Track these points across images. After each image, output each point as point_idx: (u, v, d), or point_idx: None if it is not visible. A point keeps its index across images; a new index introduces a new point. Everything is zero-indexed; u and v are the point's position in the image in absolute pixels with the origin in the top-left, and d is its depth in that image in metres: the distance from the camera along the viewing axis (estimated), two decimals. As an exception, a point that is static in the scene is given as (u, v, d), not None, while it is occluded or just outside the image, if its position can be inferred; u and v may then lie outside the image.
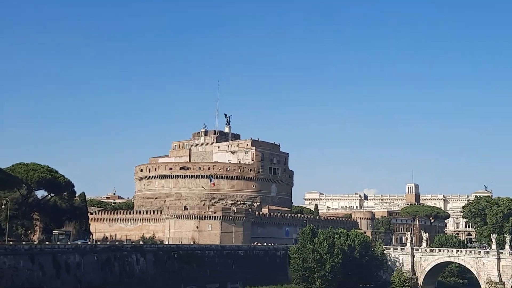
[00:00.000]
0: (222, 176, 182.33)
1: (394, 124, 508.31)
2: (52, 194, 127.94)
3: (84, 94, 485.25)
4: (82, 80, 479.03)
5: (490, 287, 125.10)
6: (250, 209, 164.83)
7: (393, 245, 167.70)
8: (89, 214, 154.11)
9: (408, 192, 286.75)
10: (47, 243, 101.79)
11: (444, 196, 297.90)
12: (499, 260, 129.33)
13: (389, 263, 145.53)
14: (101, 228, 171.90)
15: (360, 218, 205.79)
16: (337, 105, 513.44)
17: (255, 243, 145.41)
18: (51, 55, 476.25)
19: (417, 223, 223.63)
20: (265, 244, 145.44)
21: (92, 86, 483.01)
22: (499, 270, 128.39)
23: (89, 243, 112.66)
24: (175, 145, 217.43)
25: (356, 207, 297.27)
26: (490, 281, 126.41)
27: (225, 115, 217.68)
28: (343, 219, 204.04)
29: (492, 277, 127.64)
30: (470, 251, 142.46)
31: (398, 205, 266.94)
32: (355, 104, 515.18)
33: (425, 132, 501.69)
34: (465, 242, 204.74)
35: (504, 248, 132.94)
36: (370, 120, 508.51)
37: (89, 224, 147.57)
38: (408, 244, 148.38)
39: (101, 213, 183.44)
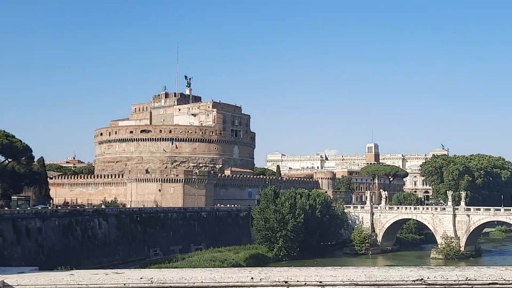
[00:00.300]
0: (183, 138, 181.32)
1: (354, 85, 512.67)
2: (9, 160, 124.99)
3: (42, 56, 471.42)
4: (40, 41, 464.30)
5: (446, 242, 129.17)
6: (212, 171, 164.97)
7: (353, 204, 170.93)
8: (48, 179, 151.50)
9: (368, 152, 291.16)
10: (6, 209, 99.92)
11: (402, 155, 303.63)
12: (454, 216, 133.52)
13: (350, 221, 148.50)
14: (61, 193, 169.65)
15: (321, 178, 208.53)
16: (298, 66, 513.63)
17: (217, 204, 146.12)
18: (4, 12, 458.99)
19: (377, 182, 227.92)
20: (228, 205, 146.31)
21: (49, 48, 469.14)
22: (454, 226, 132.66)
23: (49, 208, 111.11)
24: (135, 108, 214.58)
25: (317, 167, 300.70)
26: (446, 236, 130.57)
27: (186, 77, 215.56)
28: (305, 179, 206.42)
29: (448, 232, 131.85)
30: (427, 208, 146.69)
31: (358, 165, 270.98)
32: (315, 65, 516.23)
33: (384, 93, 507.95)
34: (423, 199, 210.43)
35: (460, 205, 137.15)
36: (330, 81, 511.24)
37: (49, 189, 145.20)
38: (368, 202, 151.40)
39: (61, 178, 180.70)
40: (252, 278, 5.19)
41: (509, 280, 5.32)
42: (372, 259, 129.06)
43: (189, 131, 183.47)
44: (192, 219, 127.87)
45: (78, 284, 4.95)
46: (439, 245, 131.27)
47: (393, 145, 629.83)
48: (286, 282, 5.18)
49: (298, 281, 5.21)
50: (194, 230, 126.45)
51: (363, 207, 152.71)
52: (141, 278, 5.05)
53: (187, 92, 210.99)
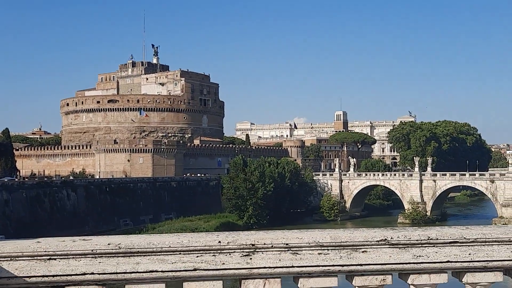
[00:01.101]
0: (152, 108, 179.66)
1: (322, 53, 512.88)
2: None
3: (5, 24, 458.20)
4: (5, 8, 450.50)
5: (412, 207, 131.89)
6: (181, 141, 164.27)
7: (322, 172, 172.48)
8: (14, 151, 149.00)
9: (337, 120, 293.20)
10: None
11: (370, 123, 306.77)
12: (421, 181, 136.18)
13: (319, 189, 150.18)
14: (28, 165, 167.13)
15: (290, 146, 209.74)
16: (267, 34, 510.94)
17: (187, 174, 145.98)
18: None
19: (345, 149, 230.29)
20: (198, 175, 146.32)
21: (13, 16, 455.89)
22: (421, 191, 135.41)
23: (16, 180, 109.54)
24: (101, 78, 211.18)
25: (287, 136, 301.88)
26: (413, 201, 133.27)
27: (153, 45, 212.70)
28: (274, 148, 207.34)
29: (415, 197, 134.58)
30: (395, 174, 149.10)
31: (327, 133, 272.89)
32: (283, 32, 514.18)
33: (352, 60, 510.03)
34: (390, 166, 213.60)
35: (426, 170, 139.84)
36: (299, 49, 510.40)
37: (15, 161, 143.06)
38: (337, 169, 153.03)
39: (28, 149, 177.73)
40: (219, 241, 5.25)
41: (469, 239, 5.49)
42: (341, 225, 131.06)
43: (157, 101, 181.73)
44: (162, 189, 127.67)
45: (45, 251, 4.95)
46: (406, 210, 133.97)
47: (361, 112, 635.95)
48: (253, 245, 5.26)
49: (265, 244, 5.29)
50: (164, 199, 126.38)
51: (332, 175, 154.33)
52: (108, 244, 5.07)
53: (155, 61, 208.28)
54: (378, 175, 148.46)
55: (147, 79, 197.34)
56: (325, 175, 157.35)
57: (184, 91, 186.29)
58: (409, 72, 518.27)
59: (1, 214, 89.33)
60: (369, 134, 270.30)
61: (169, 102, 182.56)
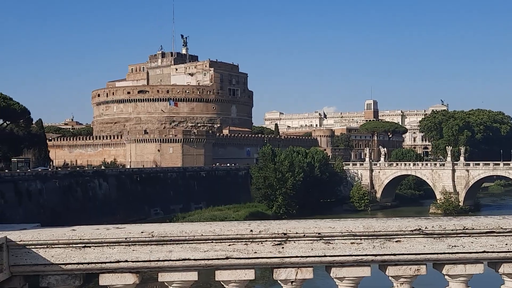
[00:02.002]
0: (181, 98, 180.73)
1: (352, 42, 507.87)
2: (7, 122, 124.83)
3: (37, 17, 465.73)
4: (37, 2, 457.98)
5: (445, 197, 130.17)
6: (210, 131, 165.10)
7: (353, 161, 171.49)
8: (47, 141, 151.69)
9: (367, 109, 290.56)
10: (6, 171, 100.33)
11: (402, 112, 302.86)
12: (453, 171, 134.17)
13: (349, 179, 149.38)
14: (61, 155, 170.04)
15: (320, 136, 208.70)
16: (295, 23, 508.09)
17: (216, 164, 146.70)
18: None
19: (376, 138, 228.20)
20: (227, 164, 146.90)
21: (45, 9, 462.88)
22: (453, 181, 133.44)
23: (49, 170, 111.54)
24: (132, 69, 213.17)
25: (316, 125, 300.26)
26: (445, 192, 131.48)
27: (182, 36, 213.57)
28: (303, 137, 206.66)
29: (447, 187, 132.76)
30: (427, 164, 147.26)
31: (357, 122, 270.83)
32: (314, 23, 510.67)
33: (383, 48, 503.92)
34: (422, 155, 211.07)
35: (459, 160, 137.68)
36: (329, 38, 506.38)
37: (48, 151, 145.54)
38: (367, 159, 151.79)
39: (60, 140, 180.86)
40: (251, 230, 5.25)
41: (506, 229, 5.38)
42: (371, 215, 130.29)
43: (187, 91, 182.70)
44: (191, 179, 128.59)
45: (80, 239, 5.02)
46: (438, 200, 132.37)
47: (392, 101, 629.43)
48: (285, 234, 5.25)
49: (297, 233, 5.28)
50: (194, 189, 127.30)
51: (362, 164, 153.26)
52: (142, 232, 5.12)
53: (184, 52, 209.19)
54: (409, 164, 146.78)
55: (176, 69, 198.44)
56: (355, 164, 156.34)
57: (213, 81, 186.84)
58: (441, 60, 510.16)
59: (36, 203, 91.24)
60: (400, 123, 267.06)
61: (198, 92, 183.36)
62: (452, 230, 5.36)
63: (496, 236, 5.39)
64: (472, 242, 5.38)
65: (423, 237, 5.35)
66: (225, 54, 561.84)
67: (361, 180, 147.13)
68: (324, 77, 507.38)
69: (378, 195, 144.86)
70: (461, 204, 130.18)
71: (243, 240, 5.21)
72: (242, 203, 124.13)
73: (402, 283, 5.52)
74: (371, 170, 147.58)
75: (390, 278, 5.56)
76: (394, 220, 5.54)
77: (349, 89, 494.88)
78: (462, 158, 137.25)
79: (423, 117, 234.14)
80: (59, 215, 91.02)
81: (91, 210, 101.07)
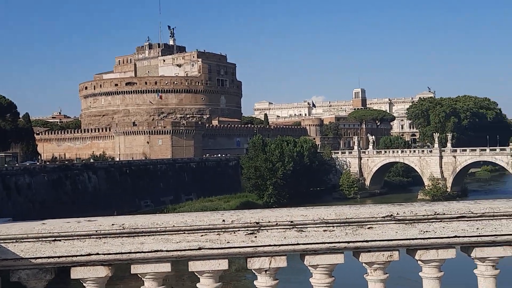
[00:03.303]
0: (169, 90, 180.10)
1: (339, 30, 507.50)
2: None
3: (23, 10, 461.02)
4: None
5: (432, 183, 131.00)
6: (200, 122, 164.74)
7: (341, 150, 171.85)
8: (35, 135, 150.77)
9: (355, 97, 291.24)
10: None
11: (389, 99, 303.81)
12: (441, 157, 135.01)
13: (338, 167, 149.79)
14: (49, 149, 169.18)
15: (309, 125, 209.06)
16: (284, 13, 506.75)
17: (206, 155, 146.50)
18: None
19: (364, 127, 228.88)
20: (218, 155, 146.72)
21: (31, 2, 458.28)
22: (441, 167, 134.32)
23: (38, 164, 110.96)
24: (119, 61, 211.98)
25: (305, 114, 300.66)
26: (433, 178, 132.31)
27: (169, 27, 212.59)
28: (293, 127, 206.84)
29: (435, 173, 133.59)
30: (414, 151, 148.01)
31: (345, 111, 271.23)
32: (301, 12, 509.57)
33: (371, 38, 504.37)
34: (410, 142, 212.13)
35: (446, 146, 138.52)
36: (316, 26, 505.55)
37: (36, 145, 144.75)
38: (356, 147, 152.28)
39: (48, 133, 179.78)
40: (223, 220, 5.25)
41: (476, 213, 5.42)
42: (360, 203, 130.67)
43: (175, 82, 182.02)
44: (181, 170, 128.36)
45: (50, 233, 4.99)
46: (426, 187, 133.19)
47: (380, 89, 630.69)
48: (257, 223, 5.25)
49: (269, 222, 5.28)
50: (184, 180, 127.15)
51: (351, 152, 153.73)
52: (112, 224, 5.10)
53: (171, 43, 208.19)
54: (398, 152, 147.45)
55: (164, 60, 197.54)
56: (344, 153, 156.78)
57: (201, 72, 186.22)
58: (427, 48, 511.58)
59: (25, 197, 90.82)
60: (387, 111, 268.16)
61: (186, 83, 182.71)
62: (423, 215, 5.39)
63: (467, 220, 5.42)
64: (443, 227, 5.41)
65: (395, 223, 5.37)
66: (213, 45, 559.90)
67: (350, 168, 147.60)
68: (312, 67, 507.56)
69: (367, 182, 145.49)
70: (448, 190, 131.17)
71: (215, 230, 5.21)
72: (232, 194, 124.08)
73: (376, 269, 5.56)
74: (360, 158, 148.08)
75: (363, 264, 5.59)
76: (367, 207, 5.56)
77: (337, 78, 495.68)
78: (449, 145, 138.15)
79: (411, 104, 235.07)
80: (48, 209, 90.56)
81: (81, 204, 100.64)
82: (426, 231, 5.40)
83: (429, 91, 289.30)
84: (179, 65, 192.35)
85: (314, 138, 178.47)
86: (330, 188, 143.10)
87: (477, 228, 5.43)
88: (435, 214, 5.39)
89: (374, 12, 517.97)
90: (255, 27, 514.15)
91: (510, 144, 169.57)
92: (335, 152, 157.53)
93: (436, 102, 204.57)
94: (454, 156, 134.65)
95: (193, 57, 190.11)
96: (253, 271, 5.49)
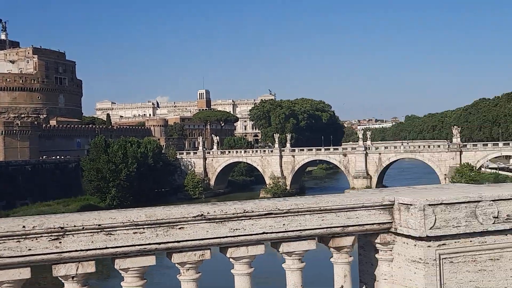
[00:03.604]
0: (1, 87, 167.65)
1: (184, 31, 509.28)
2: None
3: None
4: None
5: (273, 182, 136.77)
6: (36, 122, 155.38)
7: (186, 150, 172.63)
8: None
9: (200, 98, 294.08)
10: None
11: (233, 101, 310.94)
12: (281, 157, 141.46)
13: (183, 167, 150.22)
14: None
15: (153, 125, 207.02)
16: (126, 9, 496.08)
17: (44, 157, 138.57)
18: None
19: (209, 127, 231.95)
20: (56, 157, 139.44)
21: None
22: (281, 166, 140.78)
23: None
24: None
25: (150, 115, 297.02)
26: (274, 176, 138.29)
27: (0, 20, 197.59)
28: (137, 127, 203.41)
29: (275, 172, 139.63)
30: (256, 151, 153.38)
31: (190, 111, 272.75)
32: (143, 8, 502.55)
33: (214, 39, 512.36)
34: (253, 143, 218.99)
35: (286, 146, 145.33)
36: (160, 26, 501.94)
37: None
38: (200, 148, 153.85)
39: None
40: (24, 226, 4.94)
41: (283, 210, 5.66)
42: (205, 202, 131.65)
43: (7, 80, 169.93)
44: (16, 173, 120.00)
45: None
46: (267, 185, 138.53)
47: (224, 91, 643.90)
48: (62, 228, 5.02)
49: (75, 226, 5.07)
50: (19, 184, 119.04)
51: (195, 153, 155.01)
52: None
53: (3, 37, 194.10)
54: (241, 152, 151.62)
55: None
56: (189, 153, 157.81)
57: (37, 69, 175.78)
58: (269, 51, 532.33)
59: None
60: (231, 112, 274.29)
61: (20, 81, 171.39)
62: (233, 214, 5.52)
63: (274, 217, 5.66)
64: (252, 224, 5.60)
65: (206, 222, 5.44)
66: (51, 41, 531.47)
67: (195, 168, 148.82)
68: (157, 66, 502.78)
69: (212, 182, 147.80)
70: (288, 187, 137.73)
71: (15, 238, 4.88)
72: (73, 197, 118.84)
73: (188, 269, 5.59)
74: (205, 159, 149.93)
75: (176, 265, 5.60)
76: (179, 207, 5.58)
77: (182, 79, 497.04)
78: (288, 145, 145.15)
79: (253, 106, 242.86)
80: None
81: None
82: (236, 229, 5.55)
83: (270, 94, 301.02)
84: (12, 62, 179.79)
85: (158, 139, 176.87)
86: (175, 189, 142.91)
87: (284, 224, 5.69)
88: (244, 212, 5.55)
89: (216, 14, 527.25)
90: (97, 24, 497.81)
91: (342, 144, 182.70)
92: (180, 152, 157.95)
93: (276, 104, 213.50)
94: (293, 156, 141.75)
95: (28, 53, 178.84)
96: (60, 279, 5.24)
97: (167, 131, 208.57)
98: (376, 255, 6.31)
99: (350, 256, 6.19)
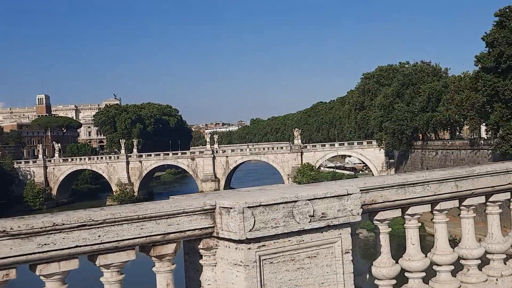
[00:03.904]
0: None
1: (14, 33, 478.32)
2: None
3: None
4: None
5: (120, 189, 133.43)
6: None
7: (25, 159, 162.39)
8: None
9: (39, 104, 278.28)
10: None
11: (75, 106, 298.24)
12: (128, 163, 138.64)
13: (21, 177, 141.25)
14: None
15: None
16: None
17: None
18: None
19: (49, 134, 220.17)
20: None
21: None
22: (128, 172, 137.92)
23: None
24: None
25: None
26: (121, 183, 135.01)
27: None
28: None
29: (122, 179, 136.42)
30: (102, 157, 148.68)
31: (28, 118, 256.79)
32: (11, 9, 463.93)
33: (54, 41, 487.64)
34: (98, 149, 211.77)
35: (132, 152, 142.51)
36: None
37: None
38: (40, 156, 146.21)
39: None
40: None
41: (97, 221, 5.41)
42: (47, 213, 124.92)
43: None
44: None
45: None
46: (114, 193, 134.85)
47: (66, 96, 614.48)
48: None
49: None
50: None
51: (35, 162, 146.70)
52: None
53: None
54: (85, 159, 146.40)
55: None
56: (28, 162, 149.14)
57: None
58: (114, 55, 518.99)
59: None
60: (74, 118, 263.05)
61: None
62: (41, 227, 5.10)
63: (88, 229, 5.33)
64: (64, 238, 5.21)
65: (9, 238, 4.96)
66: None
67: (35, 178, 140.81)
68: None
69: (54, 192, 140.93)
70: (136, 194, 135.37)
71: None
72: None
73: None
74: (45, 167, 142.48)
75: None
76: (27, 218, 5.08)
77: (19, 84, 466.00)
78: (135, 150, 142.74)
79: (97, 111, 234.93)
80: None
81: None
82: (45, 244, 5.13)
83: (115, 98, 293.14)
84: None
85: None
86: (14, 200, 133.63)
87: (99, 236, 5.37)
88: (54, 225, 5.15)
89: (53, 10, 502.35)
90: None
91: (191, 148, 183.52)
92: (18, 161, 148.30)
93: (122, 109, 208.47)
94: (140, 161, 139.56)
95: None
96: None
97: (2, 139, 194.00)
98: (200, 261, 6.23)
99: (173, 264, 6.04)
